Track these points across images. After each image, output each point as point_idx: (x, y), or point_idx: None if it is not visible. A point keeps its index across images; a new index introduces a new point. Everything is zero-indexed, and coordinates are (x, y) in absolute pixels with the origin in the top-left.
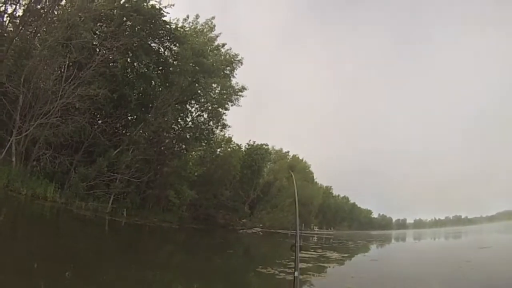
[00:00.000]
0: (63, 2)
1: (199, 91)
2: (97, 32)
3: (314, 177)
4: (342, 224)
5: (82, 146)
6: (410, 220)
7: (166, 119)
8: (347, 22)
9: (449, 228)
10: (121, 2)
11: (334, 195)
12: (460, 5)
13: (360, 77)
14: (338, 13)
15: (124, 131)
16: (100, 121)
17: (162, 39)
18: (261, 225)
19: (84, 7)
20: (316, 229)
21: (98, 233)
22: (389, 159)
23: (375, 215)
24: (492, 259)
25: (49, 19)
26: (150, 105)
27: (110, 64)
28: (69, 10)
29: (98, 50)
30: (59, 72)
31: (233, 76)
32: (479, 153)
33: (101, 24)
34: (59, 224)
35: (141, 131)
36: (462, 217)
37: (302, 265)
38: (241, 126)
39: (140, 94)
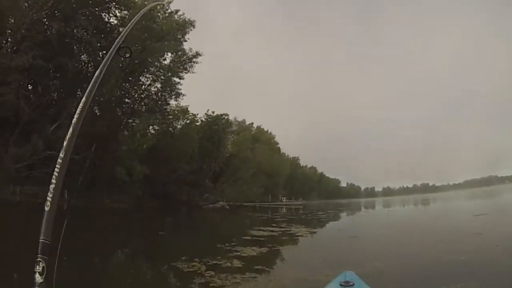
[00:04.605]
0: None
1: (148, 59)
2: None
3: (280, 148)
4: (311, 194)
5: (16, 127)
6: (378, 189)
7: (106, 91)
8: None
9: (419, 195)
10: None
11: (301, 165)
12: None
13: (327, 59)
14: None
15: (62, 103)
16: (34, 95)
17: (107, 4)
18: (224, 199)
19: None
20: (285, 200)
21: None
22: (357, 129)
23: (343, 184)
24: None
25: None
26: (91, 74)
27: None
28: None
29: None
30: None
31: (185, 40)
32: (446, 126)
33: None
34: None
35: (91, 104)
36: (430, 185)
37: (245, 253)
38: (207, 100)
39: (83, 63)
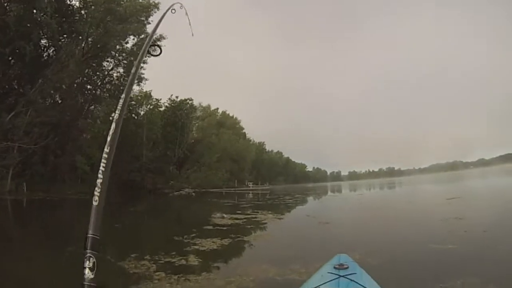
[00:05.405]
0: None
1: (111, 42)
2: None
3: (246, 133)
4: (278, 179)
5: None
6: (344, 173)
7: (66, 75)
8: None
9: (386, 179)
10: None
11: (267, 150)
12: None
13: (297, 44)
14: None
15: (20, 91)
16: None
17: None
18: (189, 186)
19: None
20: (251, 185)
21: None
22: (322, 114)
23: (309, 168)
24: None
25: None
26: (51, 59)
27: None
28: None
29: None
30: None
31: (148, 23)
32: (413, 112)
33: None
34: None
35: (50, 91)
36: (396, 169)
37: (204, 247)
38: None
39: (43, 48)
